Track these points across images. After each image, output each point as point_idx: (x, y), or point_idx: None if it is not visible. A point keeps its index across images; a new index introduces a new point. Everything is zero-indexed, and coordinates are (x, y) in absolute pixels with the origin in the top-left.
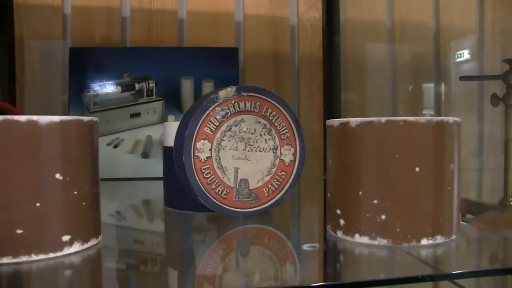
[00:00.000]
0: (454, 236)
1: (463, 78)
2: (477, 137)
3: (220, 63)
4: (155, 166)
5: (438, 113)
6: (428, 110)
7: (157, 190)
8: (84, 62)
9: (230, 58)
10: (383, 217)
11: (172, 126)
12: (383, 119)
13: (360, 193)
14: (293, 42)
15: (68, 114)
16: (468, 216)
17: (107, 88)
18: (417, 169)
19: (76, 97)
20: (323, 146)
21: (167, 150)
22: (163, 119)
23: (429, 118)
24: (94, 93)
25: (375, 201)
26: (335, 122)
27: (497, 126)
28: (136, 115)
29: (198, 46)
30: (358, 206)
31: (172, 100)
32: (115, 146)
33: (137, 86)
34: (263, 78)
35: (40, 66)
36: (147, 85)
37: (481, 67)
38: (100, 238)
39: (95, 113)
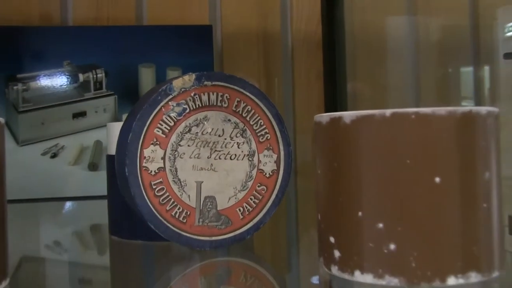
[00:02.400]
0: (496, 273)
1: (508, 55)
2: None
3: (190, 46)
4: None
5: (478, 105)
6: (466, 101)
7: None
8: (10, 46)
9: (203, 39)
10: (392, 246)
11: (117, 128)
12: (388, 111)
13: (360, 213)
14: (285, 18)
15: None
16: None
17: (41, 80)
18: (437, 179)
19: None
20: None
21: (111, 160)
22: (117, 120)
23: (452, 108)
24: (24, 87)
25: (380, 225)
26: (324, 117)
27: None
28: (80, 114)
29: (161, 25)
30: (357, 232)
31: (127, 95)
32: (53, 156)
33: (81, 77)
34: (246, 64)
35: None
36: (95, 76)
37: None
38: (6, 282)
39: (25, 112)
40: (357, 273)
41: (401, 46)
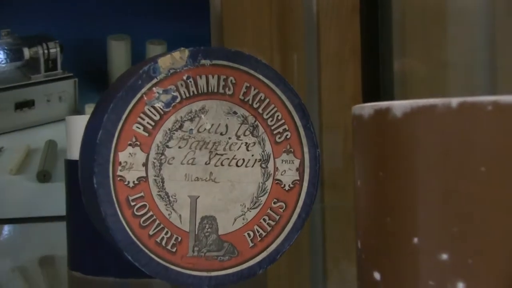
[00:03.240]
0: None
1: None
2: None
3: (178, 13)
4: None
5: None
6: None
7: (63, 239)
8: None
9: (196, 4)
10: (460, 286)
11: (79, 123)
12: (455, 100)
13: (416, 240)
14: None
15: None
16: None
17: None
18: None
19: None
20: None
21: (71, 168)
22: (78, 112)
23: None
24: None
25: (444, 256)
26: (365, 109)
27: None
28: (26, 104)
29: None
30: (412, 265)
31: (92, 78)
32: None
33: (26, 52)
34: (257, 37)
35: None
36: (46, 51)
37: None
38: None
39: None
40: None
41: (469, 9)
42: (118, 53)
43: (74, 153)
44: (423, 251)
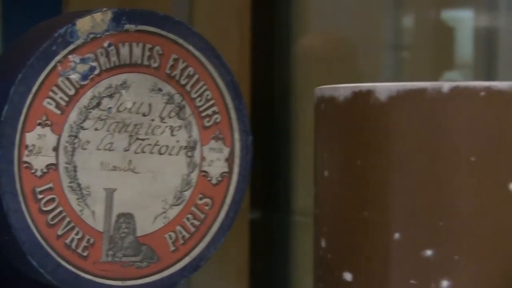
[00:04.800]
0: None
1: None
2: None
3: None
4: None
5: (489, 75)
6: (469, 68)
7: None
8: None
9: None
10: (444, 284)
11: None
12: (446, 85)
13: (397, 235)
14: None
15: None
16: None
17: None
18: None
19: None
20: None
21: None
22: None
23: None
24: None
25: (429, 252)
26: (340, 90)
27: None
28: None
29: None
30: (393, 263)
31: None
32: None
33: None
34: None
35: None
36: None
37: None
38: None
39: None
40: None
41: None
42: None
43: None
44: (406, 248)
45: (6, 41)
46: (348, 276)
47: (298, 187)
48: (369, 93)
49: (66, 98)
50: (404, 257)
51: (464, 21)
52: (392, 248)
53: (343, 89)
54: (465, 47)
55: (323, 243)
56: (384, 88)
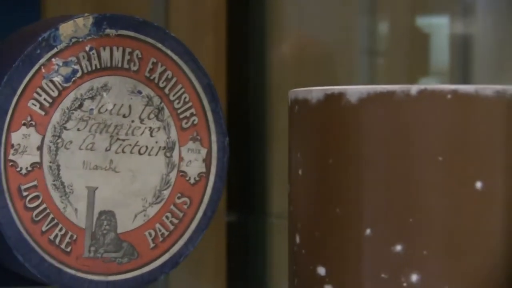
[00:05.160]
0: None
1: None
2: None
3: None
4: None
5: (464, 79)
6: (442, 74)
7: None
8: None
9: None
10: (413, 277)
11: None
12: (414, 88)
13: (368, 231)
14: None
15: None
16: None
17: None
18: (478, 184)
19: None
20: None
21: None
22: None
23: (500, 88)
24: None
25: (398, 247)
26: (313, 93)
27: None
28: None
29: None
30: (364, 258)
31: None
32: None
33: None
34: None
35: None
36: None
37: None
38: None
39: None
40: None
41: None
42: None
43: None
44: (376, 243)
45: None
46: (321, 271)
47: (274, 190)
48: (340, 95)
49: (50, 100)
50: (375, 252)
51: (439, 27)
52: (363, 243)
53: (316, 92)
54: (440, 53)
55: (297, 239)
56: (355, 90)
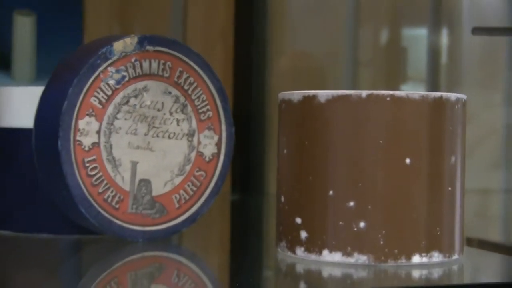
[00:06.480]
0: (456, 256)
1: (478, 30)
2: (503, 135)
3: None
4: None
5: (433, 87)
6: (415, 82)
7: None
8: None
9: None
10: (361, 224)
11: (12, 93)
12: (364, 92)
13: (331, 192)
14: None
15: None
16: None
17: None
18: (407, 160)
19: None
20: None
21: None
22: None
23: (424, 93)
24: None
25: (351, 204)
26: (294, 95)
27: None
28: None
29: None
30: (327, 211)
31: None
32: None
33: None
34: (125, 3)
35: None
36: None
37: None
38: None
39: None
40: (325, 252)
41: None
42: None
43: (1, 121)
44: (336, 200)
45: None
46: (298, 220)
47: (270, 174)
48: (314, 97)
49: (106, 97)
50: (335, 207)
51: (415, 39)
52: (327, 201)
53: (297, 94)
54: (416, 62)
55: (282, 199)
56: (323, 93)
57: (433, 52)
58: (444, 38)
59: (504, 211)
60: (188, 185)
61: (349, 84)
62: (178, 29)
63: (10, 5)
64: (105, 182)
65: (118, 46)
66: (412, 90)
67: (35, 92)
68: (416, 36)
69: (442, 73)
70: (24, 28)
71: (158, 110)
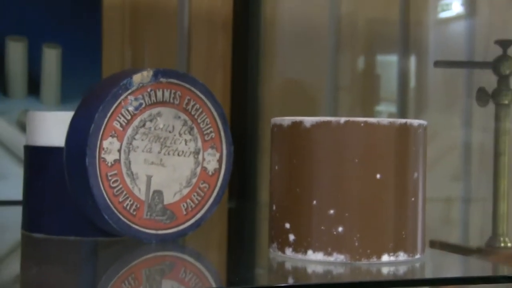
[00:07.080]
0: (418, 255)
1: (439, 64)
2: (461, 151)
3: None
4: None
5: (402, 110)
6: (387, 104)
7: None
8: None
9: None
10: (340, 229)
11: (41, 117)
12: (342, 119)
13: (314, 202)
14: None
15: None
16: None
17: None
18: (378, 176)
19: None
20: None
21: (32, 152)
22: None
23: (392, 120)
24: None
25: (331, 211)
26: (285, 121)
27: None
28: None
29: None
30: (311, 218)
31: None
32: None
33: None
34: (137, 38)
35: None
36: None
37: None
38: None
39: None
40: (310, 252)
41: (320, 34)
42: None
43: (36, 141)
44: (319, 209)
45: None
46: (287, 225)
47: (263, 185)
48: (300, 122)
49: (126, 121)
50: (318, 214)
51: (387, 66)
52: (312, 209)
53: (287, 120)
54: (388, 86)
55: (274, 207)
56: (309, 120)
57: (403, 78)
58: (413, 66)
59: (463, 217)
60: (194, 195)
61: (331, 107)
62: (183, 61)
63: (39, 40)
64: (124, 192)
65: (137, 78)
66: (385, 110)
67: (64, 116)
68: (388, 64)
69: (410, 96)
70: (51, 59)
71: (170, 132)
